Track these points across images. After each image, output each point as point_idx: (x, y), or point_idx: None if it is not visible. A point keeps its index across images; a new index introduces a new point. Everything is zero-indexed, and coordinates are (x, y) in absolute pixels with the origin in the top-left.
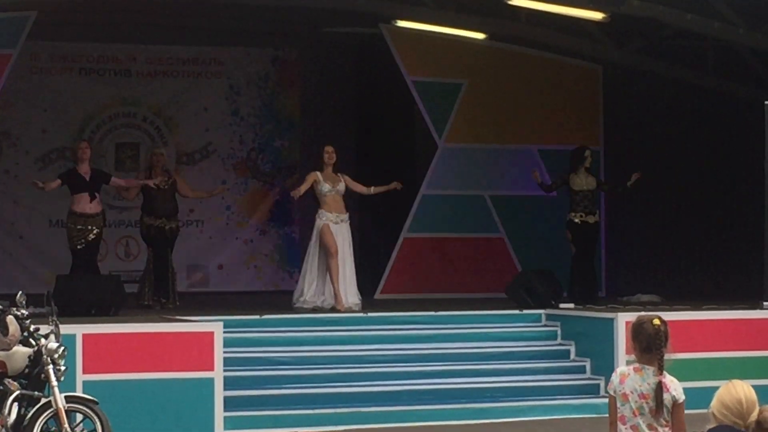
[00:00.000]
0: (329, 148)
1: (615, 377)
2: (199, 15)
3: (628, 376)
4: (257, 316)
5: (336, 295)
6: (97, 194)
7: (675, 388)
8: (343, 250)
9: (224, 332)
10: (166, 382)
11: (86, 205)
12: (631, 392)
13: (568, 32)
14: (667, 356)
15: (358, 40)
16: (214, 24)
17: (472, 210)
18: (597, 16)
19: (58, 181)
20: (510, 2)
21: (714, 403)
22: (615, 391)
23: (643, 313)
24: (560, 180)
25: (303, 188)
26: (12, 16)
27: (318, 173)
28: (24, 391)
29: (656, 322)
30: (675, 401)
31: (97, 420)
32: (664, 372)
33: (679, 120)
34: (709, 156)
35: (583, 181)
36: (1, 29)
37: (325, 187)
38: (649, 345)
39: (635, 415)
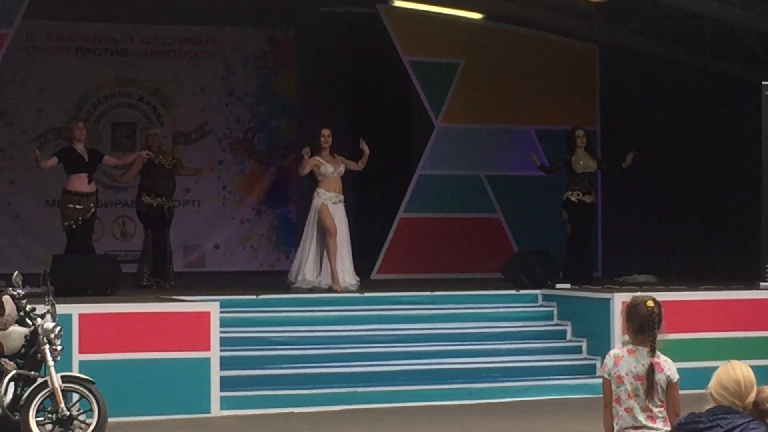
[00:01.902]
0: (326, 131)
1: (609, 360)
2: None
3: (622, 358)
4: (254, 296)
5: (333, 275)
6: (92, 175)
7: (669, 367)
8: (339, 230)
9: (221, 312)
10: (163, 361)
11: (82, 184)
12: (626, 374)
13: (564, 12)
14: (660, 337)
15: (355, 19)
16: (211, 3)
17: (468, 190)
18: None
19: (55, 160)
20: None
21: (712, 383)
22: (609, 374)
23: (637, 294)
24: (561, 161)
25: (306, 169)
26: None
27: (318, 158)
28: (20, 371)
29: (650, 303)
30: (669, 381)
31: (93, 399)
32: (658, 352)
33: (675, 100)
34: (706, 136)
35: (584, 164)
36: None
37: (329, 169)
38: (642, 326)
39: (630, 397)
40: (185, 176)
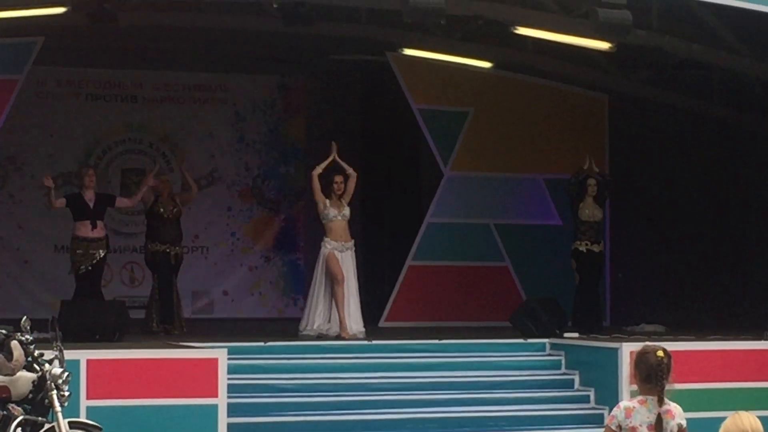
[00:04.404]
0: (338, 178)
1: (619, 412)
2: (206, 41)
3: (634, 409)
4: (261, 343)
5: (341, 323)
6: (99, 221)
7: (680, 413)
8: (347, 278)
9: (228, 359)
10: (170, 408)
11: (87, 230)
12: (640, 425)
13: (574, 61)
14: (668, 387)
15: (365, 67)
16: (221, 50)
17: (477, 238)
18: (603, 45)
19: (63, 201)
20: (516, 31)
21: None
22: (620, 426)
23: (648, 343)
24: (575, 185)
25: (315, 179)
26: (19, 42)
27: (326, 199)
28: (28, 417)
29: (660, 353)
30: (681, 427)
31: None
32: (667, 399)
33: (685, 150)
34: (715, 186)
35: (590, 212)
36: (8, 55)
37: (331, 212)
38: (650, 375)
39: None
40: (190, 199)
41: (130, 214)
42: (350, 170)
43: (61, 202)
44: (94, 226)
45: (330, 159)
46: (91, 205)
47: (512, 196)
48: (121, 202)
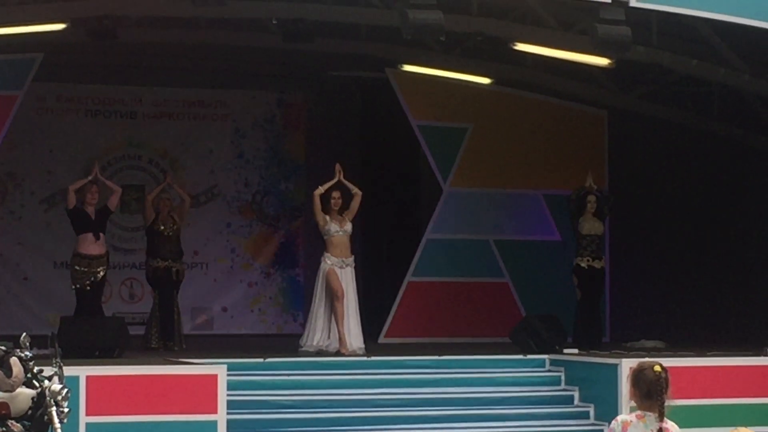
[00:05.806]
0: (336, 194)
1: (617, 425)
2: (205, 58)
3: (631, 423)
4: (261, 359)
5: (340, 339)
6: (101, 234)
7: (677, 431)
8: (347, 294)
9: (228, 375)
10: (170, 424)
11: (91, 246)
12: None
13: (573, 77)
14: (667, 402)
15: (364, 83)
16: (220, 67)
17: (476, 254)
18: (603, 62)
19: (74, 200)
20: (516, 47)
21: None
22: None
23: (644, 360)
24: (575, 202)
25: (317, 200)
26: (19, 58)
27: (326, 215)
28: None
29: (657, 368)
30: None
31: None
32: (665, 417)
33: (684, 165)
34: (714, 201)
35: (590, 226)
36: (8, 71)
37: (333, 227)
38: (650, 391)
39: None
40: (185, 211)
41: (129, 230)
42: (355, 190)
43: (73, 198)
44: (96, 238)
45: (334, 181)
46: (93, 217)
47: (511, 212)
48: (112, 201)
